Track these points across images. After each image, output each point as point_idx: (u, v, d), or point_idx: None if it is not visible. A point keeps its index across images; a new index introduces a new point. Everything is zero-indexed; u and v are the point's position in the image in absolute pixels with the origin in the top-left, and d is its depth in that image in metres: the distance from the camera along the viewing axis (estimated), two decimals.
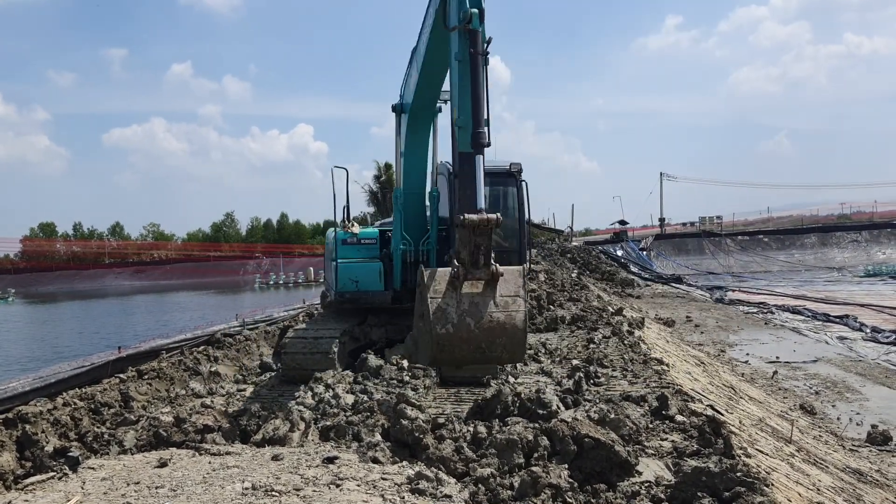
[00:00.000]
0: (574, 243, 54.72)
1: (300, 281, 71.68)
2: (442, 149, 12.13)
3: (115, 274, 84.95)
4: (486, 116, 7.03)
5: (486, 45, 7.05)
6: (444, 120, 11.93)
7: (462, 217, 6.64)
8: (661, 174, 73.29)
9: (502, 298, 6.84)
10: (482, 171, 6.90)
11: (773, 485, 5.84)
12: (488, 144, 7.00)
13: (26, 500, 4.56)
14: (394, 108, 11.39)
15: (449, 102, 11.21)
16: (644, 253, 55.66)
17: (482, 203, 6.78)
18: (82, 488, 4.72)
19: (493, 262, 6.81)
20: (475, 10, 6.90)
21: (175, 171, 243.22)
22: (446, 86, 11.33)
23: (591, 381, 9.33)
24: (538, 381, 9.59)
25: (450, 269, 6.74)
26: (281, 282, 73.57)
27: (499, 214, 6.69)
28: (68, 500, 4.44)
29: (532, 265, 14.87)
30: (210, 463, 5.12)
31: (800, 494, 6.29)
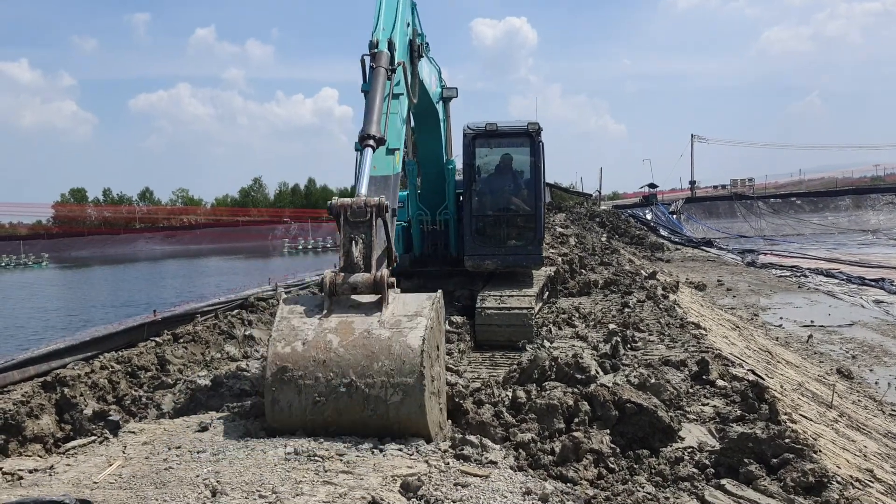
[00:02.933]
0: (603, 207, 54.22)
1: (329, 245, 71.82)
2: (464, 113, 12.11)
3: (145, 239, 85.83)
4: (376, 119, 6.72)
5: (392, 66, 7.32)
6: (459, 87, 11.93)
7: (330, 202, 5.76)
8: (692, 136, 72.12)
9: (393, 316, 5.12)
10: (368, 165, 6.34)
11: (820, 451, 5.72)
12: (374, 139, 6.57)
13: (68, 465, 4.56)
14: None
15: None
16: (674, 216, 55.02)
17: (364, 188, 6.08)
18: (124, 452, 4.71)
19: (381, 269, 5.49)
20: (380, 39, 7.48)
21: (201, 135, 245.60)
22: (459, 75, 11.40)
23: (629, 346, 9.21)
24: (573, 345, 9.48)
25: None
26: (310, 246, 73.86)
27: (382, 198, 5.68)
28: (110, 465, 4.43)
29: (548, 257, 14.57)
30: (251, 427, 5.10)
31: (847, 461, 6.16)
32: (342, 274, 5.34)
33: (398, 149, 7.02)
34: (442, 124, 11.49)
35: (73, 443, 5.70)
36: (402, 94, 7.62)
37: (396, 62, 7.44)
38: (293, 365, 4.87)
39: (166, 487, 4.00)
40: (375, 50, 7.31)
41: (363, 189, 6.02)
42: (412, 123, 11.53)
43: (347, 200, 5.63)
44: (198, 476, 4.12)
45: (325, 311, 5.20)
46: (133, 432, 5.23)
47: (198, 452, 4.57)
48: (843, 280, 25.13)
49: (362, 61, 7.30)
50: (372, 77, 7.11)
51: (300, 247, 73.85)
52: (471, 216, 11.52)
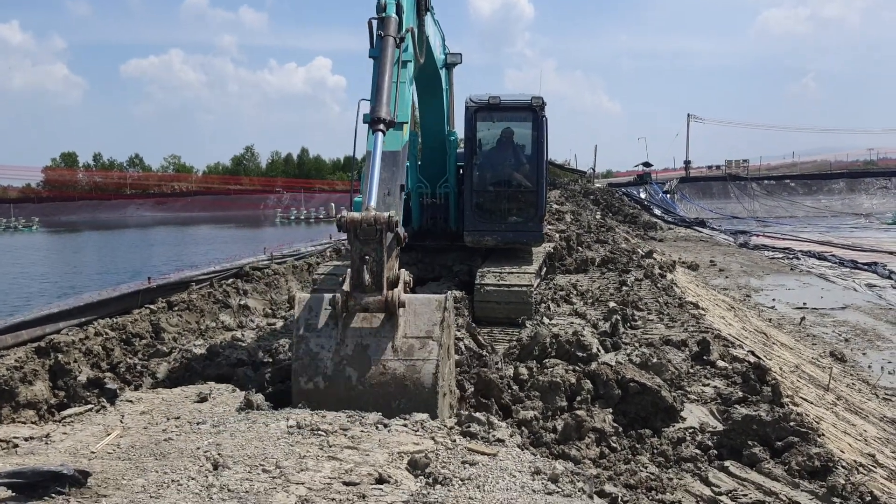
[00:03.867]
0: (597, 185, 54.11)
1: (321, 216, 71.47)
2: (458, 86, 11.83)
3: (136, 205, 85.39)
4: (385, 100, 6.50)
5: (400, 33, 7.04)
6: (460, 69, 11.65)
7: (340, 216, 5.60)
8: (688, 115, 71.97)
9: (405, 341, 5.23)
10: (379, 157, 6.16)
11: (823, 434, 5.69)
12: (385, 122, 6.37)
13: (65, 433, 4.47)
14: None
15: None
16: (668, 196, 55.00)
17: (374, 199, 5.83)
18: (122, 422, 4.63)
19: (395, 284, 5.43)
20: (387, 1, 7.07)
21: (192, 102, 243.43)
22: (455, 48, 11.11)
23: (628, 325, 9.15)
24: (572, 322, 9.41)
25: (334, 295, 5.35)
26: (302, 217, 73.51)
27: (391, 213, 5.54)
28: (109, 434, 4.34)
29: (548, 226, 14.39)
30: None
31: (850, 445, 6.14)
32: (354, 295, 5.33)
33: (406, 122, 6.86)
34: (445, 93, 11.21)
35: (69, 411, 5.59)
36: (410, 60, 7.42)
37: (405, 29, 7.20)
38: (317, 402, 5.06)
39: (166, 459, 3.91)
40: (383, 14, 7.04)
41: (373, 201, 5.83)
42: (415, 92, 11.27)
43: (357, 216, 5.49)
44: (198, 448, 4.03)
45: (339, 331, 5.27)
46: (130, 401, 5.14)
47: (198, 424, 4.48)
48: (835, 263, 25.16)
49: (370, 24, 7.04)
50: (380, 47, 6.86)
51: (292, 217, 73.44)
52: (471, 191, 11.34)
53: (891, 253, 27.19)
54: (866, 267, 23.64)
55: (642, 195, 53.12)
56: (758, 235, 36.58)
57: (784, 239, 34.35)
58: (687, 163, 70.63)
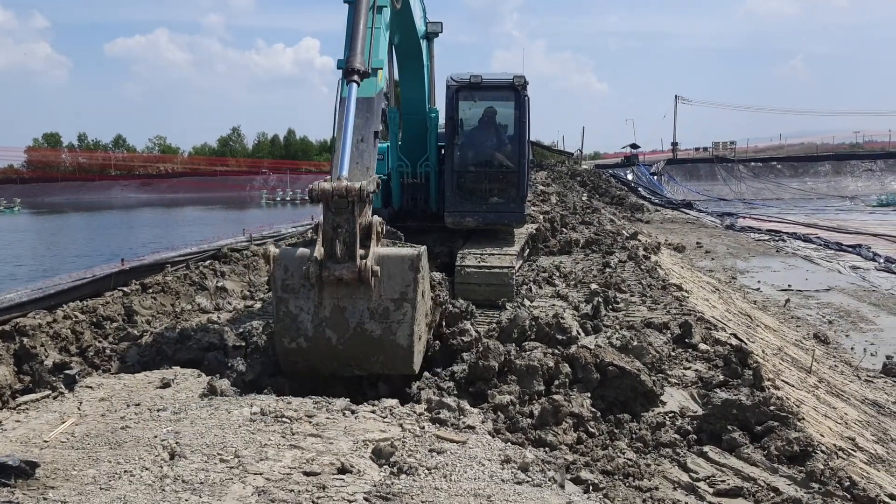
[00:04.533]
0: (584, 166, 53.98)
1: (307, 198, 70.83)
2: (444, 66, 11.61)
3: (121, 186, 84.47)
4: (360, 49, 6.45)
5: None
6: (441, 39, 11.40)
7: (310, 187, 5.67)
8: (675, 97, 71.72)
9: (381, 302, 5.37)
10: (353, 109, 6.11)
11: (804, 419, 5.59)
12: (359, 73, 6.30)
13: (18, 421, 4.30)
14: None
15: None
16: (655, 178, 54.95)
17: (346, 168, 5.77)
18: (79, 409, 4.46)
19: (368, 252, 5.47)
20: None
21: (179, 82, 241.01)
22: (434, 16, 10.89)
23: (610, 307, 9.02)
24: (554, 304, 9.27)
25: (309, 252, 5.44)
26: (288, 198, 73.00)
27: (363, 184, 5.53)
28: (64, 422, 4.17)
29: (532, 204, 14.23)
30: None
31: (830, 429, 6.05)
32: (327, 266, 5.38)
33: (381, 68, 6.78)
34: (426, 67, 10.96)
35: (25, 397, 5.40)
36: (386, 6, 7.24)
37: None
38: (301, 359, 5.36)
39: (121, 448, 3.75)
40: None
41: (345, 170, 5.79)
42: (395, 65, 11.00)
43: (328, 187, 5.53)
44: (156, 436, 3.88)
45: (316, 293, 5.40)
46: (90, 387, 4.97)
47: (158, 410, 4.32)
48: (820, 245, 25.22)
49: None
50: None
51: (278, 198, 72.95)
52: (452, 171, 11.12)
53: (875, 235, 27.27)
54: (851, 249, 23.71)
55: (629, 177, 53.06)
56: (744, 217, 36.66)
57: (770, 221, 34.40)
58: (674, 144, 70.55)
